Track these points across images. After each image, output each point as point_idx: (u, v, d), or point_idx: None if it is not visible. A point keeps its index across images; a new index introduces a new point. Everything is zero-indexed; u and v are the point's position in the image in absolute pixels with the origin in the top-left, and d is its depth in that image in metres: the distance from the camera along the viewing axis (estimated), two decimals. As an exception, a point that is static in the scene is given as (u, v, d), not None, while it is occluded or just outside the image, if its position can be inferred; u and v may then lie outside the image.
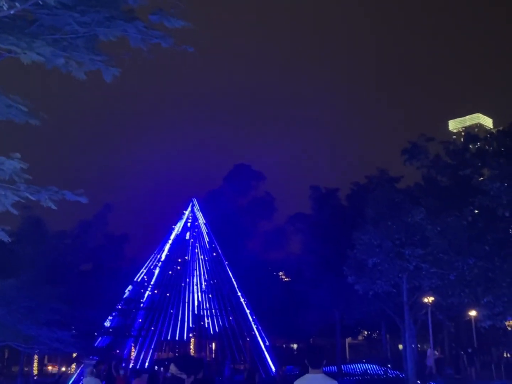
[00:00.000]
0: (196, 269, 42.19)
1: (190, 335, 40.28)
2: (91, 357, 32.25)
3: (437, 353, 35.46)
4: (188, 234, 43.33)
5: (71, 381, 33.83)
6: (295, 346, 64.48)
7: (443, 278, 21.87)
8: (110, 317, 36.37)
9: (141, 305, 38.57)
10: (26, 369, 46.25)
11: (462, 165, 23.10)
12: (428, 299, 29.76)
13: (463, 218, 20.21)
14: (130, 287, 38.52)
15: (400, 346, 43.25)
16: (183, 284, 41.28)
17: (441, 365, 37.55)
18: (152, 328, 38.60)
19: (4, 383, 42.05)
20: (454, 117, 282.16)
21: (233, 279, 40.59)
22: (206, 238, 42.78)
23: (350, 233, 26.82)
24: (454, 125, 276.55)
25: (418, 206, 22.55)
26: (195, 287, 41.65)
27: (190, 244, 42.92)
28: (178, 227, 42.79)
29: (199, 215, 43.64)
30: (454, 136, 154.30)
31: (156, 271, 40.64)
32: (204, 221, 43.24)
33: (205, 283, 41.75)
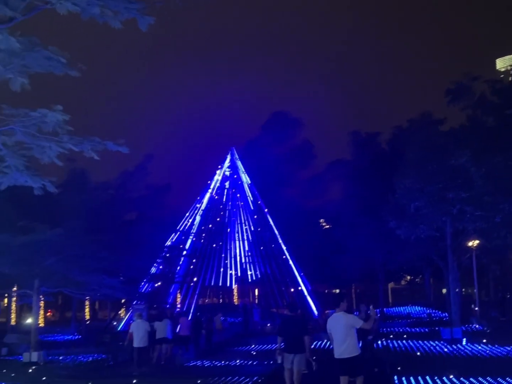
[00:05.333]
0: (237, 218, 42.65)
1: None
2: (138, 302, 33.54)
3: None
4: (227, 183, 43.61)
5: (121, 325, 35.35)
6: (337, 291, 65.25)
7: (488, 220, 21.45)
8: (155, 264, 37.42)
9: (184, 252, 39.43)
10: (78, 314, 48.53)
11: (509, 104, 22.18)
12: (473, 243, 29.41)
13: (510, 159, 19.60)
14: (173, 235, 39.34)
15: (444, 290, 43.23)
16: (228, 230, 41.94)
17: (486, 308, 37.43)
18: (195, 277, 39.56)
19: (59, 327, 44.26)
20: (502, 55, 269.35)
21: (274, 227, 40.92)
22: (247, 187, 42.98)
23: (391, 178, 26.46)
24: (502, 63, 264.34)
25: (462, 148, 21.93)
26: (236, 235, 42.24)
27: (231, 193, 43.24)
28: (218, 177, 43.07)
29: (239, 164, 43.72)
30: (502, 75, 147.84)
31: (197, 220, 41.28)
32: (244, 170, 43.36)
33: (246, 231, 42.23)
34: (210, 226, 42.17)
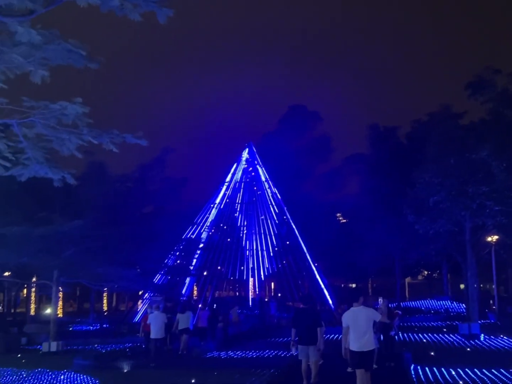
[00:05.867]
0: (254, 212, 42.56)
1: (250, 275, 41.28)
2: (156, 294, 33.81)
3: None
4: (243, 176, 43.54)
5: (138, 316, 35.64)
6: (353, 285, 65.14)
7: (508, 215, 21.19)
8: (171, 257, 37.57)
9: (201, 245, 39.50)
10: (96, 305, 49.08)
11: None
12: (492, 238, 29.11)
13: (532, 154, 19.30)
14: (190, 228, 39.44)
15: (462, 286, 42.90)
16: (245, 224, 41.96)
17: (504, 304, 37.13)
18: (211, 271, 39.64)
19: (78, 318, 44.83)
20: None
21: (291, 221, 40.84)
22: (264, 182, 42.87)
23: (410, 172, 26.25)
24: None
25: (483, 142, 21.65)
26: (253, 229, 42.20)
27: (248, 188, 43.15)
28: (238, 174, 42.96)
29: (257, 158, 43.55)
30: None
31: (214, 213, 41.32)
32: (261, 165, 43.23)
33: (263, 225, 42.18)
34: (226, 220, 42.14)
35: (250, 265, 41.06)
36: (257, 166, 43.07)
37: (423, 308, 41.52)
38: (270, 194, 42.13)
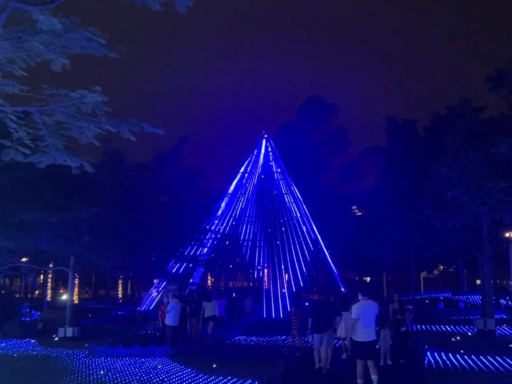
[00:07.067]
0: (271, 204, 42.49)
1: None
2: (171, 283, 34.05)
3: None
4: (257, 168, 43.46)
5: (153, 304, 35.93)
6: (368, 279, 65.01)
7: (527, 212, 20.91)
8: (186, 246, 37.76)
9: (215, 235, 39.61)
10: (112, 292, 49.58)
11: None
12: (510, 234, 28.83)
13: (553, 149, 18.99)
14: (206, 218, 39.57)
15: (478, 281, 42.59)
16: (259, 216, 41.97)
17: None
18: (226, 260, 39.79)
19: (93, 304, 45.35)
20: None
21: (307, 212, 40.78)
22: (280, 173, 42.79)
23: (427, 166, 25.97)
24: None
25: (502, 136, 21.36)
26: (269, 220, 42.16)
27: (263, 180, 43.07)
28: (250, 162, 42.85)
29: (273, 151, 43.40)
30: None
31: (225, 201, 41.40)
32: (277, 156, 43.09)
33: (280, 217, 42.13)
34: (240, 211, 42.15)
35: (265, 256, 41.12)
36: (272, 158, 42.94)
37: (441, 298, 41.40)
38: (286, 186, 42.07)
